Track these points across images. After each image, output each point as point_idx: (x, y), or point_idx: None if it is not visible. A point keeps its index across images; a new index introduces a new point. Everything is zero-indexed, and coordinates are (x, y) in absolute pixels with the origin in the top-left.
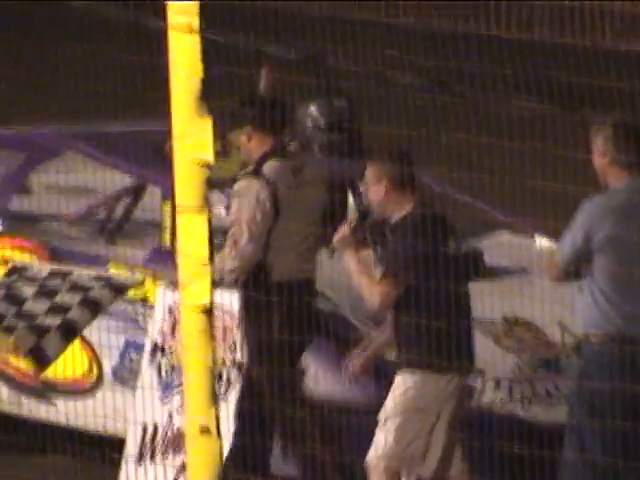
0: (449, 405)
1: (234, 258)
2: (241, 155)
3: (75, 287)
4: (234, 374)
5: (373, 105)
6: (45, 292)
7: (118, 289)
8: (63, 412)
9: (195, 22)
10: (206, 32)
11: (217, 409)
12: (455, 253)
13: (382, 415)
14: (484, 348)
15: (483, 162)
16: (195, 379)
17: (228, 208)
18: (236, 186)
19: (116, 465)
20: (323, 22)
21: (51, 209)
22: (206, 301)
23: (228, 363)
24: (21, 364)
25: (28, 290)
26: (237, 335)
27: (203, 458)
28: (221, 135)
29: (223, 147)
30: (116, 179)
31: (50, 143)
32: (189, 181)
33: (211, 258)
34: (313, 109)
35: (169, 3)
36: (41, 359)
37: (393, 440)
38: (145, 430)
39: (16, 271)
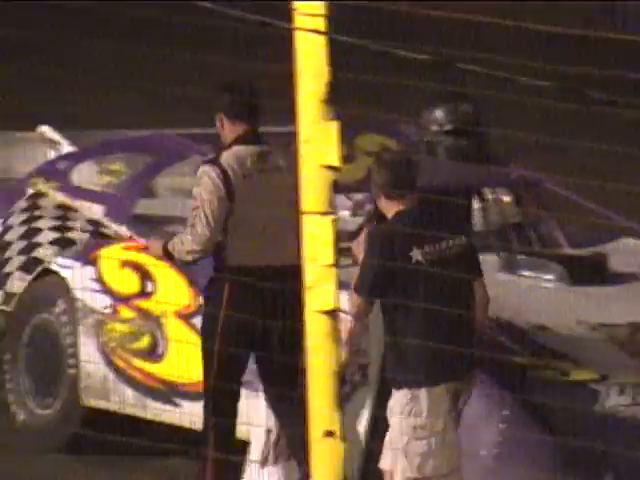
0: (450, 414)
1: (191, 241)
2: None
3: None
4: (358, 377)
5: (500, 110)
6: None
7: None
8: (188, 414)
9: (321, 24)
10: (333, 34)
11: (341, 412)
12: (432, 258)
13: (387, 438)
14: (608, 353)
15: (610, 168)
16: (320, 382)
17: (353, 212)
18: (198, 173)
19: (239, 468)
20: (452, 25)
21: (177, 212)
22: (331, 304)
23: (352, 366)
24: (145, 366)
25: None
26: (362, 338)
27: (327, 461)
28: (347, 139)
29: (348, 151)
30: None
31: (176, 146)
32: (315, 185)
33: (336, 262)
34: (439, 113)
35: (296, 4)
36: None
37: (406, 463)
38: (269, 434)
39: None
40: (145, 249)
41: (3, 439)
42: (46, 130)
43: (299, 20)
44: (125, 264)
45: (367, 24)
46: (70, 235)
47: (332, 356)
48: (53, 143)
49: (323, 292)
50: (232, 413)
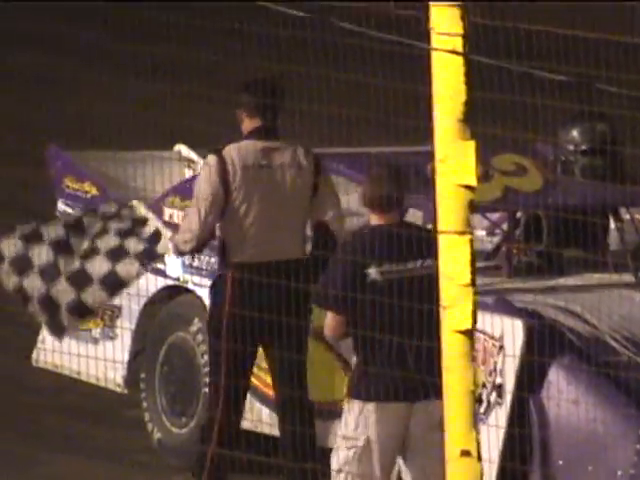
0: (380, 431)
1: (185, 231)
2: (500, 179)
3: None
4: (494, 397)
5: (636, 129)
6: None
7: None
8: (322, 434)
9: (459, 44)
10: (471, 54)
11: (477, 432)
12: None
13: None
14: None
15: None
16: (456, 401)
17: (489, 232)
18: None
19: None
20: (589, 45)
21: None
22: (468, 324)
23: (488, 386)
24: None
25: None
26: (498, 358)
27: None
28: (483, 159)
29: (485, 171)
30: None
31: None
32: (452, 204)
33: (473, 281)
34: (575, 133)
35: (433, 25)
36: None
37: (333, 465)
38: None
39: None
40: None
41: (140, 457)
42: (182, 149)
43: (436, 40)
44: None
45: (504, 44)
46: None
47: (468, 376)
48: (189, 162)
49: (460, 312)
50: (240, 410)
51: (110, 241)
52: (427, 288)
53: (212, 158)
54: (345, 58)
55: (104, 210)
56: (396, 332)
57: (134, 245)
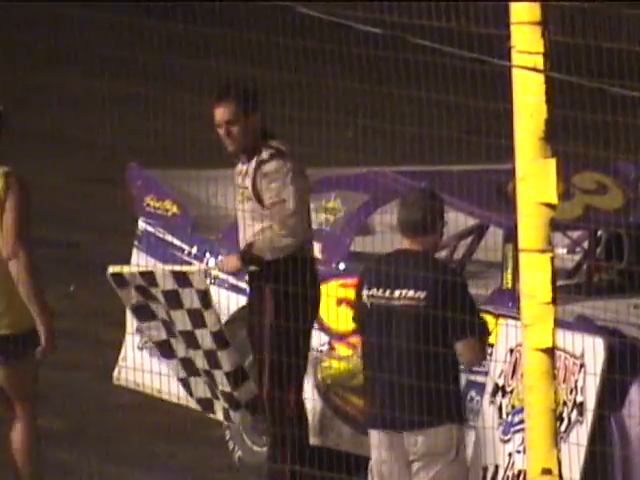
0: (377, 457)
1: (286, 236)
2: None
3: None
4: (575, 415)
5: None
6: None
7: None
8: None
9: (540, 62)
10: (551, 72)
11: (558, 450)
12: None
13: None
14: None
15: None
16: (537, 420)
17: (571, 250)
18: (267, 167)
19: None
20: None
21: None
22: (549, 342)
23: (569, 404)
24: (362, 403)
25: None
26: (579, 376)
27: None
28: (564, 177)
29: (566, 189)
30: (458, 219)
31: (392, 184)
32: (533, 222)
33: (554, 299)
34: None
35: (514, 43)
36: None
37: None
38: (485, 471)
39: None
40: (220, 269)
41: (221, 476)
42: None
43: (517, 58)
44: (342, 301)
45: (584, 61)
46: None
47: (550, 394)
48: None
49: (541, 330)
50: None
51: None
52: (410, 320)
53: (288, 162)
54: (424, 76)
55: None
56: (384, 358)
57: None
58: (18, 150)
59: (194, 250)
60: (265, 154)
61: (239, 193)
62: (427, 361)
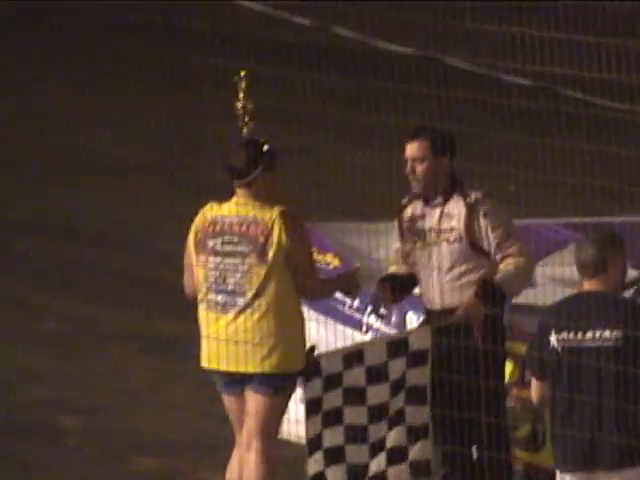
0: None
1: (533, 260)
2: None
3: None
4: None
5: None
6: None
7: None
8: None
9: None
10: None
11: None
12: None
13: None
14: None
15: None
16: None
17: None
18: (489, 205)
19: None
20: None
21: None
22: None
23: None
24: (524, 455)
25: None
26: None
27: None
28: None
29: None
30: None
31: (554, 236)
32: None
33: None
34: None
35: None
36: None
37: None
38: None
39: None
40: (467, 317)
41: None
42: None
43: None
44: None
45: None
46: None
47: None
48: None
49: None
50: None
51: None
52: (608, 359)
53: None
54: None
55: None
56: (577, 404)
57: None
58: None
59: (356, 303)
60: (476, 195)
61: (420, 239)
62: (626, 399)
